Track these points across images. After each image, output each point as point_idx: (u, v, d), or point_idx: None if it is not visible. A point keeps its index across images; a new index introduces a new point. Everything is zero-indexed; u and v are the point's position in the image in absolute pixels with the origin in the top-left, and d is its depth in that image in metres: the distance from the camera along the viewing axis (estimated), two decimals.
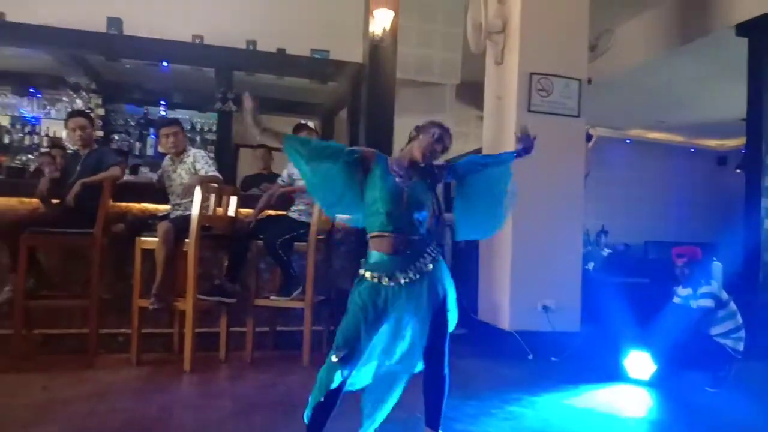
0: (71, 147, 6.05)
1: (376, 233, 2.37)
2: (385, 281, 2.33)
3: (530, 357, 4.52)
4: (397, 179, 2.39)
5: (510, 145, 4.73)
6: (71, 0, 5.52)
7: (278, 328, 4.56)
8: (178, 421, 2.88)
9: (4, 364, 3.69)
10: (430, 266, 2.39)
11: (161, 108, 6.63)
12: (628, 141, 10.90)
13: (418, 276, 2.35)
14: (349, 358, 2.26)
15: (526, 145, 2.64)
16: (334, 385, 2.24)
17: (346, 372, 2.26)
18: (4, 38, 5.02)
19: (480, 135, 7.84)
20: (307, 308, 4.08)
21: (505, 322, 4.66)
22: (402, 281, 2.33)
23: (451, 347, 4.28)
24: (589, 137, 5.14)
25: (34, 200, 4.07)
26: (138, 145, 6.41)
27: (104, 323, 4.07)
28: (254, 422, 2.89)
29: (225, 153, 6.01)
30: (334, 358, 2.25)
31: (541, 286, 4.66)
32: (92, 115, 4.77)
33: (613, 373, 4.00)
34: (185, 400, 3.31)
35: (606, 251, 7.33)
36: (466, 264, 5.88)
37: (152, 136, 6.49)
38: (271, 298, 4.23)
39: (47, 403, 3.06)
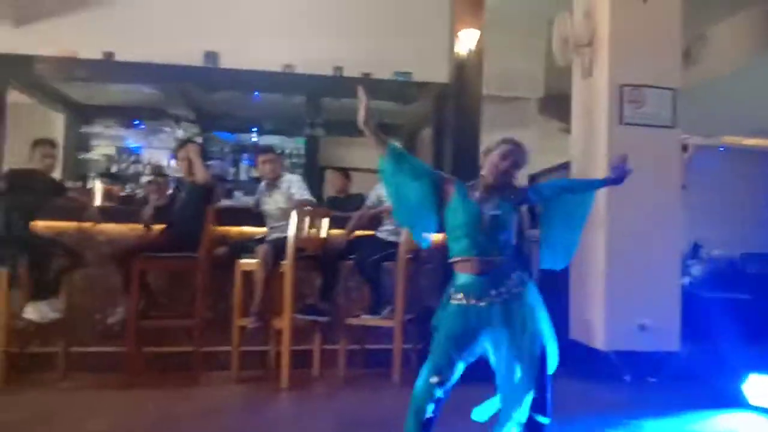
0: (176, 174, 6.48)
1: (459, 258, 2.38)
2: (473, 301, 2.32)
3: (627, 378, 4.35)
4: (478, 203, 2.39)
5: (599, 160, 4.64)
6: (172, 37, 5.95)
7: (368, 346, 4.64)
8: None
9: (120, 381, 3.98)
10: (520, 288, 2.34)
11: (253, 134, 6.95)
12: (721, 149, 10.32)
13: (508, 296, 2.31)
14: (444, 383, 2.27)
15: (618, 175, 2.52)
16: (431, 404, 2.26)
17: (441, 393, 2.28)
18: (114, 76, 5.45)
19: (564, 148, 7.71)
20: (396, 327, 4.13)
21: (600, 341, 4.51)
22: (493, 299, 2.30)
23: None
24: (684, 148, 4.93)
25: (142, 227, 4.37)
26: (232, 170, 6.75)
27: (206, 342, 4.29)
28: None
29: (312, 176, 6.21)
30: (432, 380, 2.27)
31: (637, 304, 4.49)
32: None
33: (729, 399, 3.73)
34: (288, 418, 3.43)
35: (700, 267, 6.94)
36: (556, 280, 5.75)
37: (245, 162, 6.81)
38: (362, 317, 4.32)
39: (161, 419, 3.26)
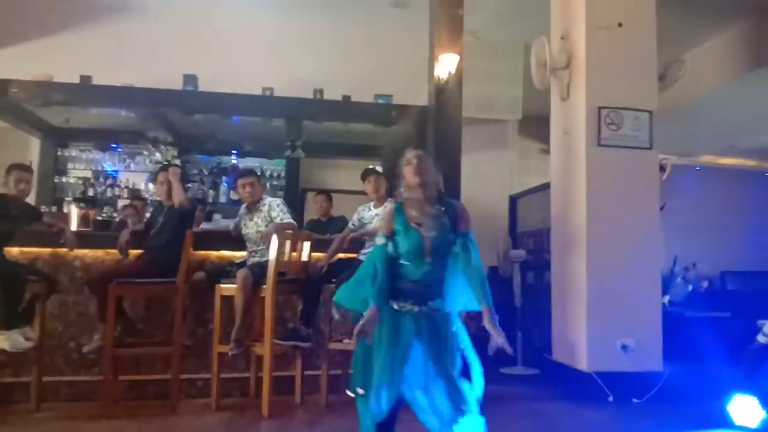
0: (154, 198, 6.40)
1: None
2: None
3: (610, 399, 4.35)
4: (418, 229, 2.48)
5: (578, 180, 4.68)
6: (151, 61, 5.94)
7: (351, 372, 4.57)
8: None
9: (96, 410, 3.86)
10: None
11: (233, 157, 6.91)
12: (698, 168, 10.51)
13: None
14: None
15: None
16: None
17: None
18: (91, 100, 5.40)
19: (542, 167, 7.81)
20: None
21: (583, 362, 4.51)
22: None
23: (527, 389, 4.21)
24: (662, 168, 5.00)
25: (117, 252, 4.28)
26: (211, 192, 6.69)
27: (184, 369, 4.20)
28: None
29: (292, 198, 6.18)
30: None
31: (618, 324, 4.50)
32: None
33: (714, 419, 3.70)
34: None
35: (689, 286, 7.02)
36: (537, 302, 5.77)
37: (224, 184, 6.76)
38: (345, 341, 4.26)
39: None
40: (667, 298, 6.63)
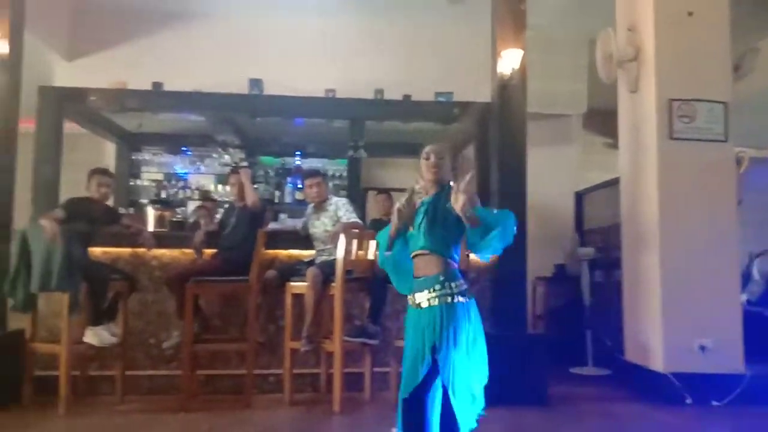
0: (224, 199, 6.62)
1: None
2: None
3: (688, 401, 4.20)
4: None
5: (649, 175, 4.55)
6: (218, 66, 6.15)
7: None
8: None
9: (174, 404, 4.04)
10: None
11: (296, 158, 7.05)
12: None
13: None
14: None
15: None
16: None
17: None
18: (162, 105, 5.61)
19: (607, 162, 7.60)
20: None
21: (658, 363, 4.38)
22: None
23: (598, 390, 4.12)
24: (738, 161, 4.79)
25: (193, 251, 4.45)
26: (277, 193, 6.85)
27: (257, 364, 4.32)
28: None
29: (354, 197, 6.25)
30: None
31: (695, 323, 4.35)
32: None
33: None
34: None
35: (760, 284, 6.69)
36: (607, 300, 5.63)
37: (289, 185, 6.91)
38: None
39: None
40: (744, 297, 6.35)
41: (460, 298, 2.28)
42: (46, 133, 4.96)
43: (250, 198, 4.28)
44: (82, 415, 3.84)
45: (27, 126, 4.60)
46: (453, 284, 2.28)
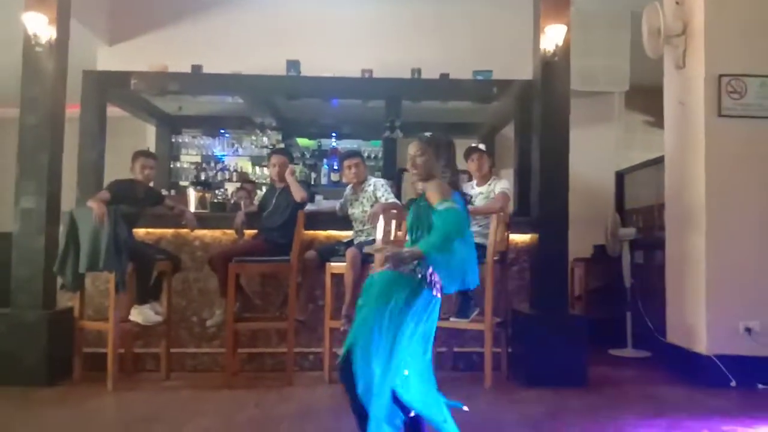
0: (263, 178, 6.69)
1: None
2: None
3: (733, 384, 4.13)
4: None
5: (696, 153, 4.42)
6: (256, 48, 6.18)
7: (455, 349, 4.62)
8: None
9: (217, 381, 4.14)
10: None
11: (332, 139, 7.06)
12: None
13: None
14: None
15: None
16: None
17: None
18: (202, 88, 5.65)
19: (649, 141, 7.43)
20: (487, 330, 4.09)
21: (701, 345, 4.29)
22: None
23: (639, 372, 4.04)
24: None
25: (234, 232, 4.52)
26: (313, 175, 6.88)
27: (297, 343, 4.39)
28: None
29: (389, 178, 6.22)
30: None
31: (742, 305, 4.24)
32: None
33: None
34: None
35: None
36: (647, 282, 5.53)
37: (325, 166, 6.93)
38: (451, 319, 4.30)
39: (262, 419, 3.35)
40: None
41: (418, 278, 2.31)
42: (90, 116, 5.08)
43: (299, 194, 4.29)
44: (129, 390, 3.97)
45: (71, 111, 4.70)
46: (420, 268, 2.32)
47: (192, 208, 5.32)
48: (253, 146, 6.91)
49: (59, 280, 4.23)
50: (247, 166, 7.04)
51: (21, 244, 4.23)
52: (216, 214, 5.11)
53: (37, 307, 4.16)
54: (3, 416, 3.44)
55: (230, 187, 6.56)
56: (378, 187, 4.38)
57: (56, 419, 3.37)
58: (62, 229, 4.20)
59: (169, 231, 4.68)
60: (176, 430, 3.16)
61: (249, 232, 4.54)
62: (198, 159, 7.06)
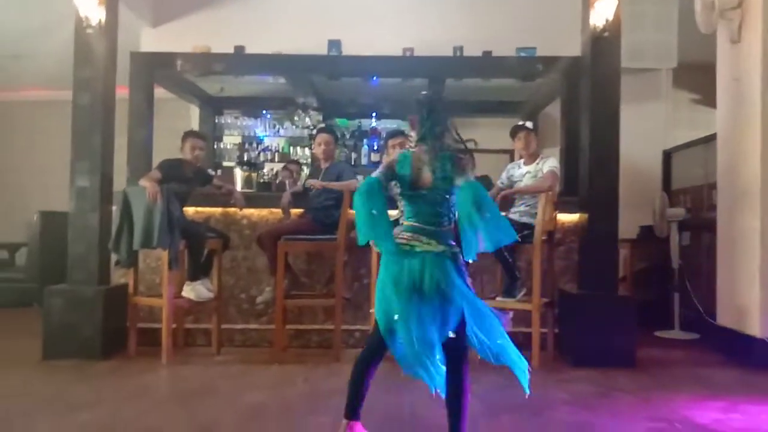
0: (304, 158, 6.72)
1: None
2: None
3: None
4: None
5: (752, 132, 4.29)
6: (298, 28, 6.20)
7: None
8: (432, 420, 3.00)
9: (266, 356, 4.24)
10: None
11: (372, 119, 7.04)
12: None
13: None
14: None
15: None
16: None
17: None
18: (245, 68, 5.68)
19: (696, 120, 7.22)
20: (534, 310, 4.08)
21: (754, 328, 4.20)
22: None
23: (688, 354, 3.99)
24: None
25: (280, 211, 4.58)
26: (353, 155, 6.89)
27: (343, 320, 4.43)
28: (504, 422, 2.94)
29: None
30: None
31: None
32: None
33: None
34: (435, 398, 3.46)
35: None
36: (696, 261, 5.43)
37: (365, 146, 6.93)
38: (497, 299, 4.29)
39: (313, 394, 3.42)
40: None
41: None
42: (138, 97, 5.15)
43: (348, 188, 4.26)
44: (182, 364, 4.08)
45: (119, 92, 4.77)
46: None
47: (238, 187, 5.39)
48: (295, 127, 6.95)
49: (113, 258, 4.35)
50: (288, 147, 7.08)
51: (76, 222, 4.35)
52: (262, 193, 5.18)
53: (92, 283, 4.29)
54: (63, 386, 3.58)
55: (270, 167, 6.65)
56: None
57: (114, 390, 3.49)
58: (115, 207, 4.31)
59: (218, 210, 4.76)
60: (231, 403, 3.23)
61: (295, 211, 4.59)
62: (239, 140, 7.13)
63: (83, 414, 2.98)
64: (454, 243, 2.43)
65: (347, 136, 7.03)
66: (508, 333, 2.41)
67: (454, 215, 2.47)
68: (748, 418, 3.01)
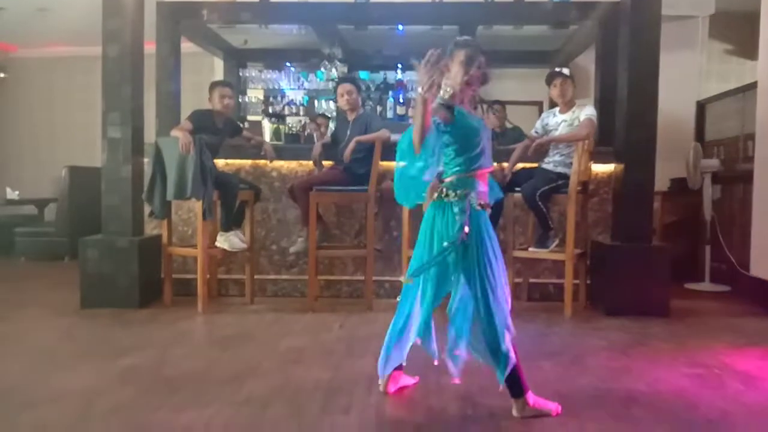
0: (329, 112, 6.67)
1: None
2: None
3: None
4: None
5: None
6: None
7: (531, 280, 4.62)
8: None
9: (299, 306, 4.30)
10: None
11: (398, 72, 6.94)
12: None
13: None
14: None
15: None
16: None
17: None
18: (272, 17, 5.58)
19: (731, 72, 7.00)
20: (568, 261, 4.06)
21: None
22: None
23: (720, 305, 3.91)
24: None
25: (310, 163, 4.57)
26: (379, 108, 6.81)
27: (377, 272, 4.47)
28: (545, 368, 2.95)
29: None
30: None
31: None
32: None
33: None
34: None
35: None
36: (729, 214, 5.35)
37: (391, 99, 6.84)
38: (530, 249, 4.28)
39: (350, 338, 3.47)
40: None
41: None
42: (165, 48, 5.11)
43: (381, 140, 4.22)
44: (218, 312, 4.15)
45: (147, 48, 4.72)
46: None
47: (267, 139, 5.37)
48: (319, 80, 6.87)
49: (146, 209, 4.39)
50: (313, 100, 7.02)
51: (109, 173, 4.38)
52: (292, 145, 5.17)
53: (126, 234, 4.34)
54: (105, 332, 3.68)
55: (298, 120, 6.61)
56: None
57: (154, 336, 3.56)
58: (147, 159, 4.32)
59: (248, 162, 4.76)
60: (271, 346, 3.30)
61: (326, 163, 4.57)
62: (263, 93, 7.08)
63: (127, 358, 3.05)
64: None
65: (372, 89, 6.95)
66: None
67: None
68: None
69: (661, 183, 5.96)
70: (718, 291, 5.10)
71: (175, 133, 4.11)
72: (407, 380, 2.62)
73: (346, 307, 4.31)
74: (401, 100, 6.73)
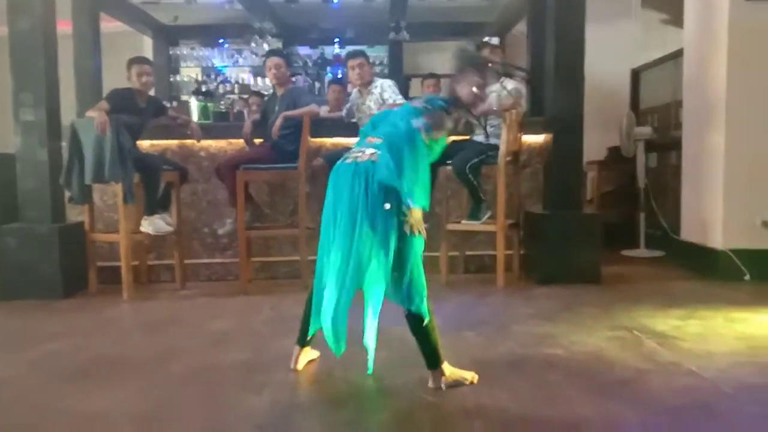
0: (266, 89, 6.49)
1: None
2: None
3: (746, 277, 4.12)
4: None
5: (718, 45, 4.21)
6: None
7: (467, 252, 4.61)
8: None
9: (233, 289, 4.19)
10: None
11: (335, 46, 6.80)
12: None
13: None
14: None
15: None
16: None
17: None
18: None
19: (665, 40, 7.09)
20: (499, 232, 4.05)
21: (717, 240, 4.26)
22: None
23: (653, 270, 3.96)
24: None
25: (240, 141, 4.43)
26: (317, 84, 6.68)
27: (311, 250, 4.38)
28: (467, 337, 2.94)
29: (397, 84, 6.03)
30: None
31: (759, 199, 4.17)
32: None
33: None
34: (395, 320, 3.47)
35: None
36: (663, 181, 5.45)
37: (329, 75, 6.72)
38: (463, 222, 4.26)
39: (279, 320, 3.38)
40: None
41: None
42: (83, 26, 4.87)
43: (310, 114, 4.12)
44: (146, 299, 4.01)
45: (63, 29, 4.46)
46: None
47: (195, 119, 5.20)
48: (254, 56, 6.69)
49: (67, 195, 4.19)
50: (248, 78, 6.84)
51: (24, 157, 4.14)
52: (220, 123, 5.00)
53: (46, 221, 4.13)
54: (25, 322, 3.52)
55: (229, 99, 6.43)
56: (385, 88, 4.23)
57: (77, 324, 3.41)
58: (65, 143, 4.11)
59: (174, 142, 4.58)
60: (196, 330, 3.20)
61: (257, 141, 4.44)
62: (198, 72, 6.86)
63: (42, 347, 2.91)
64: None
65: (309, 65, 6.80)
66: None
67: None
68: (704, 323, 3.07)
69: (598, 152, 6.06)
70: (653, 257, 5.21)
71: (90, 113, 3.91)
72: (313, 354, 2.57)
73: (282, 288, 4.22)
74: (339, 76, 6.60)
